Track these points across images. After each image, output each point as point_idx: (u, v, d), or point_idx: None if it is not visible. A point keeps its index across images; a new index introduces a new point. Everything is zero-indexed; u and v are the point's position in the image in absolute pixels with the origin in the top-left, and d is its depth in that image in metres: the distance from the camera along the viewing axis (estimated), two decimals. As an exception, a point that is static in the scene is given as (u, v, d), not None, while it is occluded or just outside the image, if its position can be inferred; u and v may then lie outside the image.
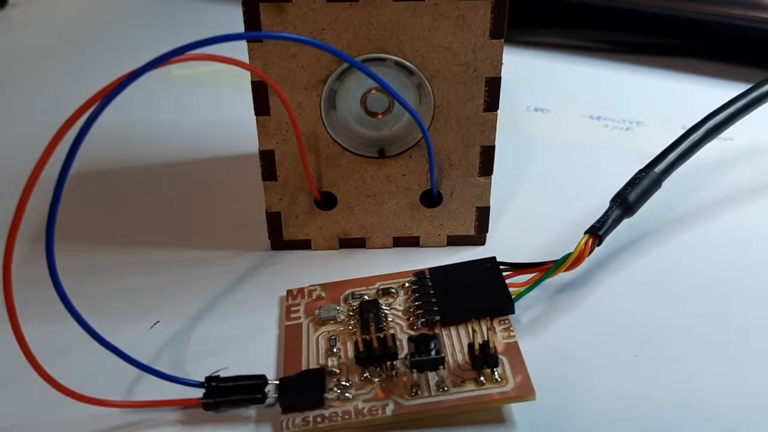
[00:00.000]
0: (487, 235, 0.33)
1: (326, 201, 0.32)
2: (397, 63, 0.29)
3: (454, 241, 0.33)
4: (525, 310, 0.29)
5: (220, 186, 0.37)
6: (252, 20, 0.28)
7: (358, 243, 0.33)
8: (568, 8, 0.53)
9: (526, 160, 0.39)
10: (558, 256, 0.28)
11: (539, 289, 0.29)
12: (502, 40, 0.29)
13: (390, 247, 0.33)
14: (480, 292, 0.28)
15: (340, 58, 0.27)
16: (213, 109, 0.45)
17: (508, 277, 0.29)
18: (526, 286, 0.28)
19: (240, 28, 0.27)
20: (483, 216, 0.32)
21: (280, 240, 0.33)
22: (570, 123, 0.44)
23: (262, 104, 0.29)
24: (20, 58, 0.53)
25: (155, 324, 0.29)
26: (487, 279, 0.28)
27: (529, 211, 0.35)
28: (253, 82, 0.29)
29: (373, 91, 0.30)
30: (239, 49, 0.27)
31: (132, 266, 0.32)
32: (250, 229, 0.34)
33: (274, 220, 0.32)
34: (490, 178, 0.32)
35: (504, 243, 0.33)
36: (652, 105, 0.46)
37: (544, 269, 0.29)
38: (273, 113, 0.30)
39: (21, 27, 0.56)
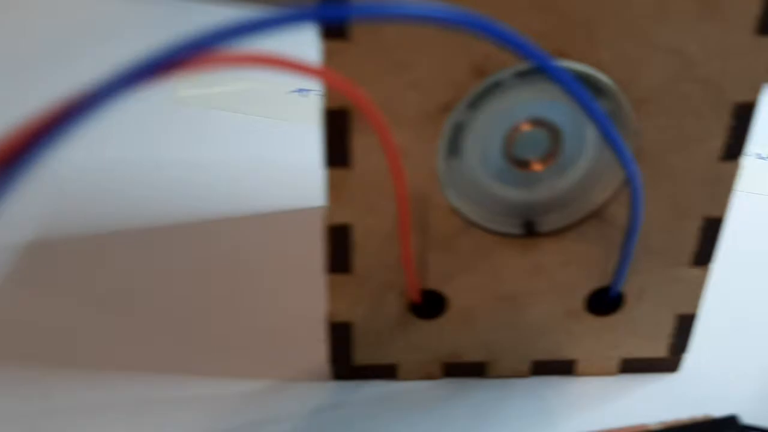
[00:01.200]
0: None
1: (429, 305, 0.19)
2: (581, 75, 0.16)
3: (631, 366, 0.20)
4: None
5: (242, 267, 0.24)
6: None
7: (473, 370, 0.20)
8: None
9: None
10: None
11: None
12: (776, 37, 0.16)
13: (525, 376, 0.20)
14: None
15: (530, 59, 0.13)
16: (229, 142, 0.30)
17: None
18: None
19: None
20: (685, 329, 0.20)
21: (347, 366, 0.20)
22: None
23: (339, 148, 0.16)
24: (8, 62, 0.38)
25: None
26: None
27: (735, 319, 0.23)
28: (328, 111, 0.16)
29: (525, 126, 0.17)
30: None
31: (116, 407, 0.19)
32: (296, 345, 0.21)
33: (340, 336, 0.19)
34: (709, 269, 0.19)
35: (705, 371, 0.20)
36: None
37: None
38: (358, 164, 0.17)
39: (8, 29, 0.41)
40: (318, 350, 0.20)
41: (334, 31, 0.15)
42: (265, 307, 0.22)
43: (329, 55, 0.15)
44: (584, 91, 0.14)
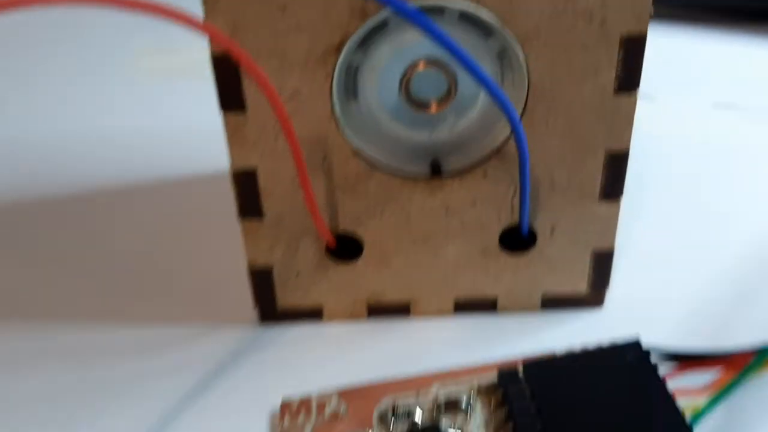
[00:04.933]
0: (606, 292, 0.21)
1: (345, 248, 0.19)
2: (464, 15, 0.16)
3: (553, 302, 0.20)
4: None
5: (188, 222, 0.25)
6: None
7: (399, 309, 0.21)
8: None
9: (635, 174, 0.25)
10: (720, 328, 0.18)
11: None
12: (655, -34, 0.16)
13: (449, 315, 0.21)
14: (622, 407, 0.15)
15: (384, 3, 0.14)
16: (192, 112, 0.31)
17: (668, 376, 0.16)
18: (711, 395, 0.16)
19: None
20: (603, 264, 0.20)
21: (272, 308, 0.20)
22: (690, 115, 0.31)
23: (230, 92, 0.17)
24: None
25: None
26: (633, 381, 0.16)
27: (657, 254, 0.23)
28: (213, 57, 0.16)
29: (422, 65, 0.17)
30: None
31: (51, 354, 0.20)
32: (227, 290, 0.22)
33: (261, 280, 0.20)
34: (619, 204, 0.19)
35: (629, 306, 0.21)
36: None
37: (733, 363, 0.17)
38: (251, 107, 0.17)
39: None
40: (246, 295, 0.21)
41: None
42: (199, 254, 0.23)
43: (209, 2, 0.16)
44: (441, 32, 0.14)
